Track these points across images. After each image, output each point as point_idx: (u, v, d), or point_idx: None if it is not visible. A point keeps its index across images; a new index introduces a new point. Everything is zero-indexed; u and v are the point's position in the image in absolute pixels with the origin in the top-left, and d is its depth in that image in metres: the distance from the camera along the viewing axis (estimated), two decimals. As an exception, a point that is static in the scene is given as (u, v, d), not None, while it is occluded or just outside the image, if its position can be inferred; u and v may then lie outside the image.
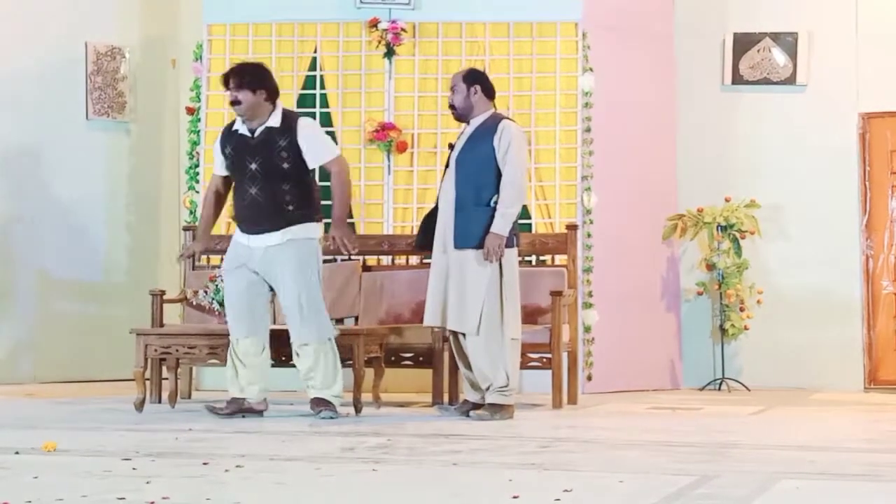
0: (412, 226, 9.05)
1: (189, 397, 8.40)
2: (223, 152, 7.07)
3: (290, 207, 6.93)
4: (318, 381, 6.97)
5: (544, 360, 7.91)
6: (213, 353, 7.44)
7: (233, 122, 7.11)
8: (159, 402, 7.91)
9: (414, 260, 8.69)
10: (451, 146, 7.27)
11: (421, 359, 8.07)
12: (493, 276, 7.03)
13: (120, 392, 8.46)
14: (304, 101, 9.31)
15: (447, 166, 7.23)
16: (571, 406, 8.00)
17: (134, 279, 10.11)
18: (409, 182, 9.20)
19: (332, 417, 6.89)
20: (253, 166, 6.93)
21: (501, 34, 9.24)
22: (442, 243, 7.17)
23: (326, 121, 9.26)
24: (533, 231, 8.91)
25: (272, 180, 6.92)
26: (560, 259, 8.54)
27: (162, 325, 8.16)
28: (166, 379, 7.94)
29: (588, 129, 9.09)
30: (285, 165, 6.93)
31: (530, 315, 8.12)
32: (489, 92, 7.25)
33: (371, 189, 9.19)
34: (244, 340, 6.99)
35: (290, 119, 7.01)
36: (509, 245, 7.09)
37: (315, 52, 9.33)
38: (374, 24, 9.19)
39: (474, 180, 7.07)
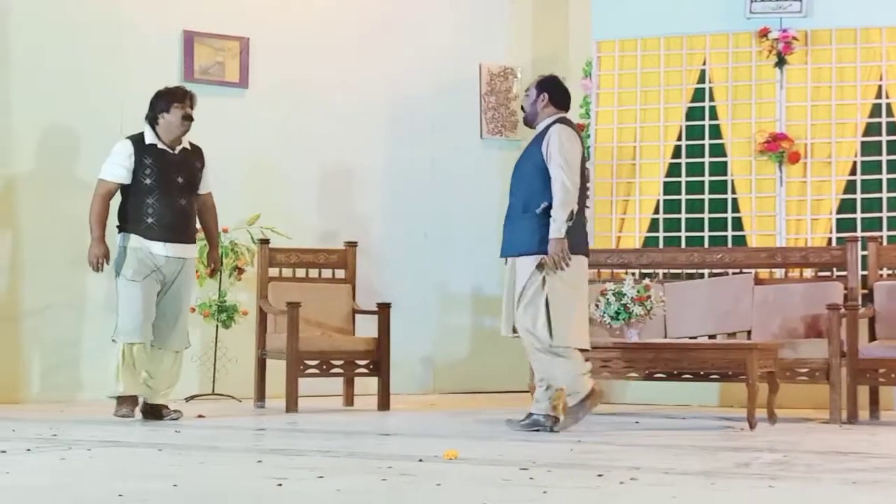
0: (806, 238, 8.87)
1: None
2: (142, 162, 7.40)
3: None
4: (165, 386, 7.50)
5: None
6: (630, 366, 7.53)
7: (142, 136, 7.46)
8: (552, 413, 8.03)
9: (808, 272, 8.50)
10: None
11: (817, 374, 7.87)
12: (537, 282, 6.83)
13: (512, 403, 8.66)
14: (692, 113, 9.27)
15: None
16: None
17: (527, 293, 10.32)
18: (803, 193, 8.99)
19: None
20: (179, 180, 7.44)
21: (899, 39, 8.91)
22: None
23: (716, 133, 9.20)
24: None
25: (192, 194, 7.55)
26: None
27: (554, 339, 8.27)
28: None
29: None
30: (196, 183, 7.57)
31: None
32: (558, 101, 7.08)
33: (762, 201, 9.04)
34: (151, 347, 7.43)
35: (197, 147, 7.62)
36: (576, 251, 6.84)
37: (704, 64, 9.29)
38: (764, 33, 9.05)
39: (525, 188, 7.00)
